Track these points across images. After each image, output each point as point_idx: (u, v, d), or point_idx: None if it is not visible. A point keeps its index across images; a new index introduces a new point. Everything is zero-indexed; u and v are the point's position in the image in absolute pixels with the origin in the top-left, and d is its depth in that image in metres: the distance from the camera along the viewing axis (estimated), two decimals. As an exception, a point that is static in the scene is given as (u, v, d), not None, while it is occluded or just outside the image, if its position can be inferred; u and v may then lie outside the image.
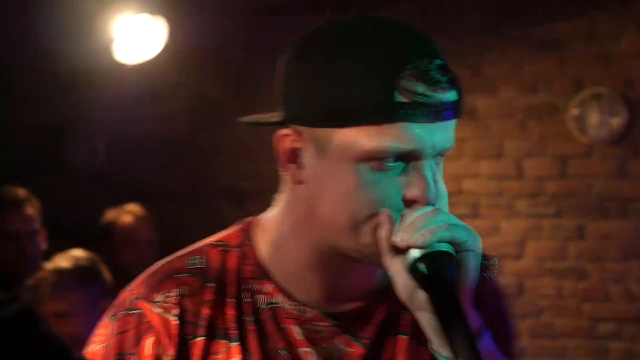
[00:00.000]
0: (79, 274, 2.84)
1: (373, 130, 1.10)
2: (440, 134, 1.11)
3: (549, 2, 4.46)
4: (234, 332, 1.20)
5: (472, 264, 1.10)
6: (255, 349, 1.19)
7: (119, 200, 4.79)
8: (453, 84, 1.11)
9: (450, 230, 1.09)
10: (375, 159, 1.11)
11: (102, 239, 4.18)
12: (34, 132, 4.82)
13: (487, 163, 4.59)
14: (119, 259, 4.11)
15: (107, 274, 2.97)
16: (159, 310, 1.19)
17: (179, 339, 1.18)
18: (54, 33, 4.44)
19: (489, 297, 1.25)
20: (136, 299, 1.21)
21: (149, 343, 1.18)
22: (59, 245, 4.50)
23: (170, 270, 1.23)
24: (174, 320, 1.18)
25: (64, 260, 2.90)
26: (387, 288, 1.21)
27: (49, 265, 2.91)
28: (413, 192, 1.12)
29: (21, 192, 3.53)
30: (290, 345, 1.20)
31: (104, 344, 1.21)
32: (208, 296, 1.20)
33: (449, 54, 4.29)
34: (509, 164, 4.55)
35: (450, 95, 1.11)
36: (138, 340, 1.19)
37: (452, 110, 1.12)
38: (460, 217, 3.79)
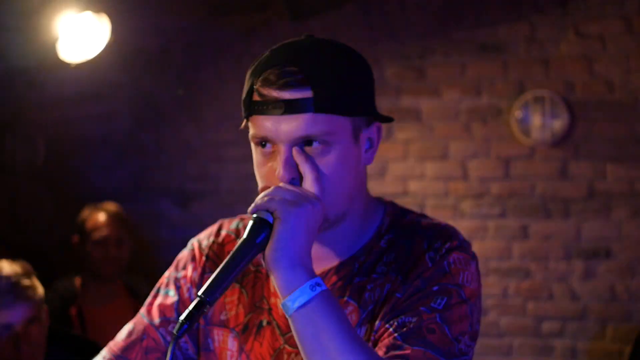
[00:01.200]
0: (21, 285, 2.67)
1: (250, 122, 1.51)
2: (287, 124, 1.45)
3: (490, 6, 4.50)
4: (241, 277, 1.64)
5: (277, 230, 1.40)
6: (250, 292, 1.65)
7: (60, 201, 4.71)
8: (295, 85, 1.44)
9: (267, 202, 1.42)
10: (256, 144, 1.51)
11: (77, 235, 4.19)
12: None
13: (432, 164, 4.61)
14: (89, 256, 4.12)
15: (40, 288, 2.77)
16: (201, 249, 1.71)
17: (202, 270, 1.69)
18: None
19: (420, 271, 1.52)
20: (193, 238, 1.75)
21: (190, 268, 1.70)
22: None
23: (222, 226, 1.74)
24: (204, 257, 1.70)
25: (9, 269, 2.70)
26: (347, 258, 1.57)
27: None
28: (275, 172, 1.47)
29: None
30: (269, 295, 1.63)
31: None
32: (230, 247, 1.67)
33: (393, 57, 4.34)
34: (454, 165, 4.58)
35: (289, 94, 1.44)
36: (185, 265, 1.71)
37: (294, 106, 1.44)
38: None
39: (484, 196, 4.54)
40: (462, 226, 4.53)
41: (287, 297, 1.40)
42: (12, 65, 4.53)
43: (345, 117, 1.49)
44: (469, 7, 4.53)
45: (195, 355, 1.69)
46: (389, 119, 1.62)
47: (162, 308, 1.69)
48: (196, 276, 1.69)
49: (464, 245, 1.57)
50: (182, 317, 1.35)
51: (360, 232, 1.60)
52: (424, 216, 1.65)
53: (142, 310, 1.71)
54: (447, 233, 1.58)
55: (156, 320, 1.68)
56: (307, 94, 1.45)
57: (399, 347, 1.43)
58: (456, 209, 4.58)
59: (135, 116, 5.09)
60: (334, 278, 1.57)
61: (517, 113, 4.46)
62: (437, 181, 4.61)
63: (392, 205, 1.66)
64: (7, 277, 2.66)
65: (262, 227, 1.42)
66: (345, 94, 1.48)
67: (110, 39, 4.25)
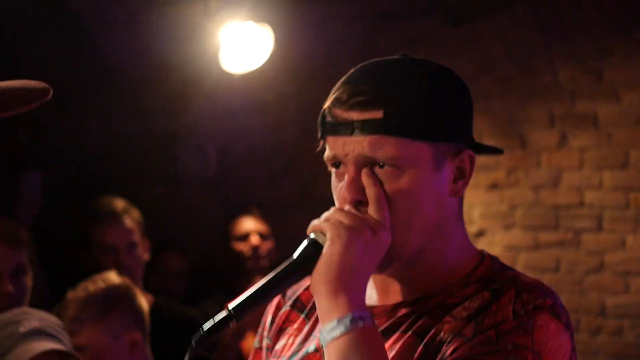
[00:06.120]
0: (100, 305, 2.62)
1: (326, 142, 1.46)
2: (354, 145, 1.40)
3: (677, 0, 4.20)
4: (307, 310, 1.55)
5: (324, 253, 1.36)
6: (313, 322, 1.52)
7: (230, 210, 4.79)
8: (364, 104, 1.39)
9: (321, 223, 1.38)
10: (331, 165, 1.47)
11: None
12: (146, 142, 4.86)
13: (610, 174, 4.39)
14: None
15: (140, 302, 2.74)
16: (283, 293, 1.61)
17: (277, 307, 1.60)
18: (163, 44, 4.45)
19: (498, 321, 1.35)
20: None
21: (269, 314, 1.62)
22: (170, 254, 4.55)
23: None
24: (280, 295, 1.60)
25: (85, 289, 2.67)
26: (423, 295, 1.44)
27: (72, 294, 2.68)
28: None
29: (119, 203, 3.52)
30: None
31: None
32: (307, 282, 1.49)
33: (567, 59, 4.06)
34: (635, 174, 4.35)
35: (358, 114, 1.39)
36: (267, 312, 1.63)
37: (363, 127, 1.39)
38: (581, 230, 3.63)
39: (668, 208, 4.23)
40: (644, 241, 4.25)
41: (323, 327, 1.34)
42: (184, 76, 4.66)
43: (423, 142, 1.40)
44: (651, 3, 4.24)
45: None
46: (490, 150, 1.52)
47: None
48: (271, 315, 1.64)
49: (558, 310, 1.39)
50: (205, 327, 1.34)
51: (443, 273, 1.46)
52: (525, 276, 1.48)
53: None
54: (542, 289, 1.41)
55: None
56: (377, 114, 1.39)
57: None
58: (637, 222, 4.34)
59: (303, 125, 5.08)
60: (404, 311, 1.45)
61: None
62: (616, 192, 4.37)
63: (493, 259, 1.50)
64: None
65: (314, 250, 1.38)
66: (423, 117, 1.40)
67: (274, 48, 4.26)
